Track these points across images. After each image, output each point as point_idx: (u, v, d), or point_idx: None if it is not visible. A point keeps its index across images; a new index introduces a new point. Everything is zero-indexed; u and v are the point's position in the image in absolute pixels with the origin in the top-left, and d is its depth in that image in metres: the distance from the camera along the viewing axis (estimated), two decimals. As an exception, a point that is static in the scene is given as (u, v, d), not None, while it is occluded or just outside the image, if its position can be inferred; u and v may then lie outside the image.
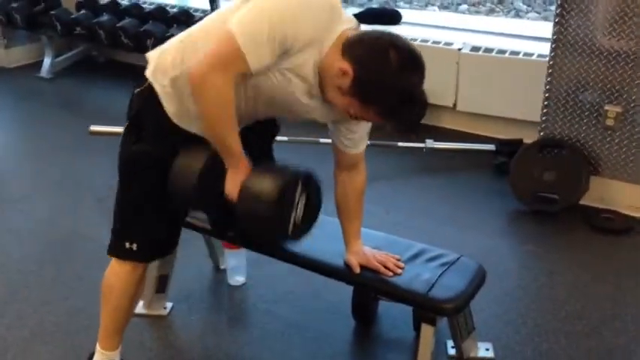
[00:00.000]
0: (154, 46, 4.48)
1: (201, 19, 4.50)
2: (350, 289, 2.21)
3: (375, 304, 2.32)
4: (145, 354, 2.18)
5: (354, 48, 1.55)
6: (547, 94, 3.05)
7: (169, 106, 1.71)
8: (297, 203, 1.67)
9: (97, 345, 1.96)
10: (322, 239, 2.03)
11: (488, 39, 3.85)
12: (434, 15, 5.53)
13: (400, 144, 3.48)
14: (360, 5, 5.50)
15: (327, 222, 1.96)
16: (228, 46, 1.52)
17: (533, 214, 3.06)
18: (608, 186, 3.03)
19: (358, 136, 1.83)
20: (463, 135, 3.80)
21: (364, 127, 1.83)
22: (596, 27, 2.84)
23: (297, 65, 1.59)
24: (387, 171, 3.44)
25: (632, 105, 2.87)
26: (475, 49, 3.72)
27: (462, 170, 3.50)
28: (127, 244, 1.82)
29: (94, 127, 3.46)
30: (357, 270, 1.91)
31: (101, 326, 1.95)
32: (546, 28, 3.15)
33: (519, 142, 3.45)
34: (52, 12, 4.68)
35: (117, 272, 1.88)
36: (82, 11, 4.71)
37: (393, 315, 2.31)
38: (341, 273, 1.95)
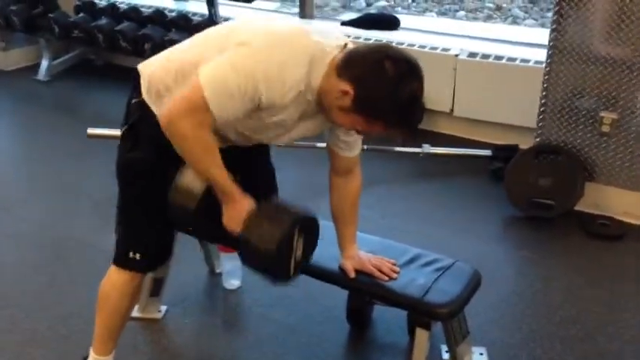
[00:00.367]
0: (152, 49, 4.50)
1: (199, 23, 4.51)
2: (345, 293, 2.21)
3: (370, 309, 2.32)
4: (139, 357, 2.18)
5: (349, 67, 1.55)
6: (543, 101, 3.06)
7: None
8: (296, 246, 1.70)
9: (91, 349, 1.96)
10: (317, 243, 2.03)
11: (486, 45, 3.86)
12: (432, 21, 5.55)
13: (396, 149, 3.48)
14: (359, 11, 5.51)
15: (321, 226, 1.96)
16: (195, 94, 1.52)
17: (529, 219, 3.06)
18: (604, 192, 3.04)
19: (354, 140, 1.83)
20: (459, 140, 3.80)
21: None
22: (592, 34, 2.85)
23: (283, 115, 1.60)
24: (383, 176, 3.45)
25: (627, 112, 2.88)
26: (472, 55, 3.73)
27: (458, 175, 3.51)
28: (131, 254, 1.83)
29: (92, 131, 3.45)
30: (352, 274, 1.91)
31: (95, 332, 1.95)
32: (543, 35, 3.16)
33: (515, 147, 3.45)
34: (50, 15, 4.68)
35: (114, 282, 1.89)
36: (81, 14, 4.71)
37: (387, 319, 2.31)
38: (336, 277, 1.95)
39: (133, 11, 4.61)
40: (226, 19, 4.47)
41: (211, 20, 4.36)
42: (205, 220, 1.74)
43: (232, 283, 2.51)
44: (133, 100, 1.77)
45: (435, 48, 3.83)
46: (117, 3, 4.81)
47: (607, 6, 2.80)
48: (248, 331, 2.35)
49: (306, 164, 3.12)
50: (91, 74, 5.04)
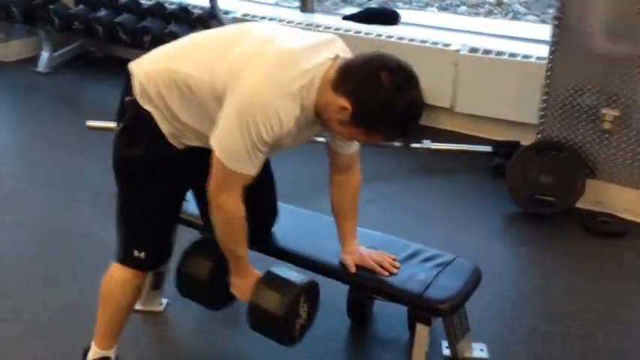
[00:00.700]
0: (152, 42, 4.49)
1: (200, 16, 4.50)
2: (345, 288, 2.21)
3: (371, 304, 2.32)
4: (140, 349, 2.18)
5: (344, 82, 1.54)
6: (545, 97, 3.06)
7: (162, 127, 1.71)
8: (301, 314, 1.82)
9: (93, 343, 1.96)
10: (318, 238, 2.03)
11: (487, 41, 3.85)
12: (433, 16, 5.55)
13: (397, 144, 3.47)
14: (359, 5, 5.50)
15: (322, 221, 1.96)
16: (223, 171, 1.60)
17: (530, 216, 3.06)
18: (605, 189, 3.04)
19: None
20: (460, 136, 3.80)
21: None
22: (594, 30, 2.85)
23: (286, 139, 1.64)
24: (383, 171, 3.44)
25: (629, 109, 2.88)
26: (473, 50, 3.72)
27: (459, 171, 3.50)
28: (136, 252, 1.83)
29: (91, 123, 3.44)
30: (353, 269, 1.91)
31: (97, 327, 1.95)
32: (545, 31, 3.16)
33: (517, 144, 3.45)
34: (51, 6, 4.66)
35: (117, 279, 1.88)
36: (81, 6, 4.70)
37: (388, 314, 2.31)
38: (336, 272, 1.95)
39: (133, 3, 4.59)
40: (226, 13, 4.46)
41: (212, 13, 4.35)
42: (216, 287, 1.92)
43: (232, 277, 2.50)
44: (127, 98, 1.75)
45: (436, 43, 3.82)
46: (117, -5, 4.79)
47: (609, 2, 2.79)
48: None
49: (306, 159, 3.11)
50: (91, 66, 5.02)
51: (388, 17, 4.27)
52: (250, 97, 1.54)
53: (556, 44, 2.95)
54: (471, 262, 2.01)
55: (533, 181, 3.06)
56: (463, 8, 6.03)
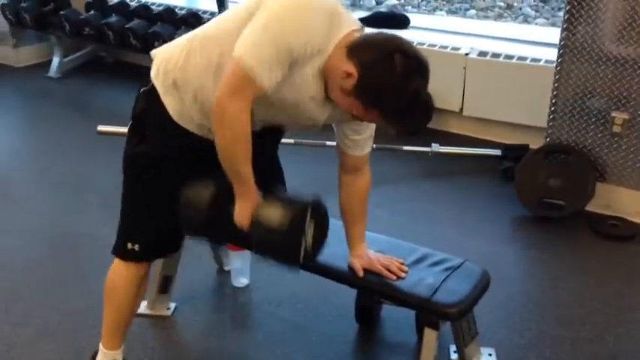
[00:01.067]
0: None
1: (208, 21, 4.52)
2: (353, 292, 2.21)
3: (379, 308, 2.32)
4: (148, 354, 2.18)
5: (359, 51, 1.55)
6: (554, 100, 3.05)
7: (170, 105, 1.72)
8: (307, 232, 1.69)
9: (100, 344, 1.97)
10: (326, 242, 2.03)
11: (496, 44, 3.84)
12: (442, 20, 5.54)
13: (405, 148, 3.48)
14: (369, 9, 5.51)
15: (331, 224, 1.96)
16: (239, 73, 1.52)
17: (539, 219, 3.05)
18: (615, 193, 3.02)
19: (363, 139, 1.83)
20: (469, 140, 3.79)
21: (369, 130, 1.83)
22: (604, 33, 2.84)
23: (304, 73, 1.59)
24: (392, 175, 3.44)
25: (639, 112, 2.86)
26: (482, 54, 3.72)
27: (468, 175, 3.49)
28: (130, 245, 1.84)
29: (102, 127, 3.47)
30: (361, 273, 1.91)
31: (104, 326, 1.96)
32: (554, 34, 3.15)
33: (525, 147, 3.44)
34: (62, 12, 4.70)
35: (120, 272, 1.90)
36: (91, 12, 4.73)
37: (396, 318, 2.31)
38: (345, 276, 1.95)
39: (144, 9, 4.63)
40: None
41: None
42: (216, 219, 1.74)
43: (241, 280, 2.51)
44: (141, 90, 1.78)
45: (445, 47, 3.82)
46: (127, 1, 4.82)
47: (618, 5, 2.78)
48: (256, 328, 2.36)
49: (316, 162, 3.12)
50: (102, 71, 5.06)
51: (398, 21, 4.26)
52: (282, 7, 1.53)
53: (565, 47, 2.94)
54: (479, 265, 2.00)
55: (542, 184, 3.05)
56: (472, 12, 6.02)
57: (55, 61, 4.90)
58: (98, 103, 4.59)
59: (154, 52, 1.79)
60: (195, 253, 2.42)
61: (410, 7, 6.11)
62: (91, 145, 3.65)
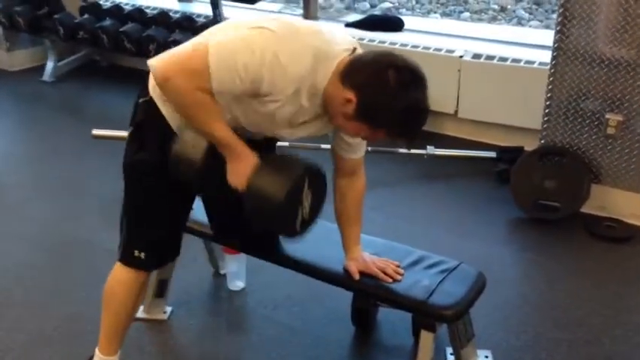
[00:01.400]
0: (157, 50, 4.50)
1: (204, 24, 4.52)
2: (349, 295, 2.21)
3: (375, 311, 2.32)
4: (144, 358, 2.18)
5: (352, 75, 1.55)
6: (548, 102, 3.05)
7: (169, 115, 1.72)
8: (304, 202, 1.66)
9: (97, 349, 1.97)
10: (322, 245, 2.03)
11: (490, 46, 3.85)
12: (436, 22, 5.55)
13: (401, 150, 3.47)
14: (363, 12, 5.52)
15: (326, 228, 1.96)
16: (200, 59, 1.53)
17: (534, 221, 3.05)
18: (609, 194, 3.03)
19: (357, 142, 1.83)
20: (464, 142, 3.80)
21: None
22: (597, 35, 2.85)
23: (274, 107, 1.59)
24: (387, 177, 3.44)
25: (633, 114, 2.87)
26: (477, 56, 3.72)
27: (463, 177, 3.50)
28: (136, 252, 1.84)
29: (97, 131, 3.46)
30: (357, 276, 1.91)
31: (101, 331, 1.96)
32: (548, 37, 3.16)
33: (520, 149, 3.45)
34: (56, 16, 4.68)
35: (120, 279, 1.89)
36: (85, 15, 4.72)
37: (392, 321, 2.31)
38: (340, 279, 1.95)
39: (138, 12, 4.62)
40: (231, 21, 4.48)
41: (215, 21, 4.37)
42: (211, 177, 1.69)
43: (237, 284, 2.51)
44: (140, 100, 1.77)
45: (440, 49, 3.83)
46: (121, 4, 4.82)
47: (612, 7, 2.79)
48: (252, 332, 2.35)
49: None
50: (96, 75, 5.05)
51: (392, 24, 4.28)
52: (273, 34, 1.54)
53: (559, 49, 2.95)
54: (475, 267, 2.00)
55: (537, 186, 3.06)
56: (466, 14, 6.04)
57: (49, 65, 4.89)
58: (93, 107, 4.58)
59: (150, 62, 1.77)
60: (190, 257, 2.41)
61: (404, 10, 6.13)
62: (86, 149, 3.64)
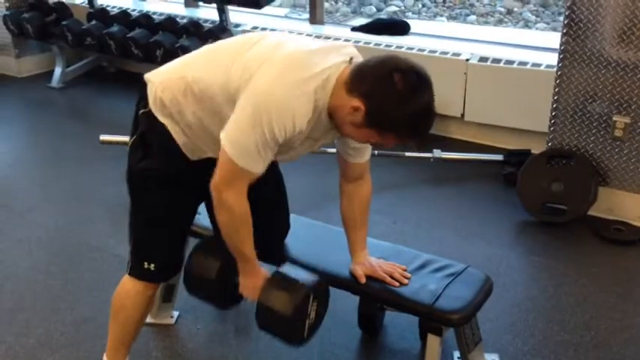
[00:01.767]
0: (164, 56, 4.52)
1: (210, 30, 4.53)
2: (356, 299, 2.20)
3: (381, 315, 2.32)
4: (152, 363, 2.18)
5: (358, 83, 1.55)
6: (555, 105, 3.05)
7: (170, 127, 1.73)
8: (310, 314, 1.79)
9: (104, 356, 1.97)
10: (328, 249, 2.04)
11: (497, 49, 3.85)
12: (442, 26, 5.56)
13: (407, 154, 3.48)
14: (369, 16, 5.52)
15: (333, 232, 1.96)
16: (229, 167, 1.59)
17: (542, 224, 3.04)
18: (617, 197, 3.02)
19: (363, 146, 1.83)
20: (471, 145, 3.79)
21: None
22: (604, 38, 2.84)
23: (297, 140, 1.63)
24: (394, 181, 3.44)
25: (640, 116, 2.87)
26: (483, 59, 3.72)
27: (470, 180, 3.49)
28: (146, 264, 1.85)
29: (104, 137, 3.48)
30: (363, 280, 1.91)
31: (109, 340, 1.97)
32: (555, 39, 3.15)
33: (527, 152, 3.44)
34: (64, 22, 4.72)
35: (129, 290, 1.90)
36: (93, 22, 4.75)
37: (399, 325, 2.30)
38: (347, 283, 1.95)
39: (145, 18, 4.65)
40: (236, 26, 4.50)
41: (222, 27, 4.39)
42: (224, 287, 1.87)
43: (244, 288, 2.51)
44: (141, 111, 1.77)
45: (446, 53, 3.83)
46: (129, 10, 4.85)
47: (618, 9, 2.78)
48: (260, 337, 2.34)
49: (317, 170, 3.12)
50: (104, 81, 5.08)
51: (398, 28, 4.28)
52: (265, 95, 1.54)
53: (566, 52, 2.94)
54: (482, 271, 2.00)
55: (544, 189, 3.05)
56: (473, 17, 6.04)
57: (58, 71, 4.92)
58: (101, 113, 4.60)
59: (147, 77, 1.77)
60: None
61: (410, 14, 6.13)
62: (94, 154, 3.66)
